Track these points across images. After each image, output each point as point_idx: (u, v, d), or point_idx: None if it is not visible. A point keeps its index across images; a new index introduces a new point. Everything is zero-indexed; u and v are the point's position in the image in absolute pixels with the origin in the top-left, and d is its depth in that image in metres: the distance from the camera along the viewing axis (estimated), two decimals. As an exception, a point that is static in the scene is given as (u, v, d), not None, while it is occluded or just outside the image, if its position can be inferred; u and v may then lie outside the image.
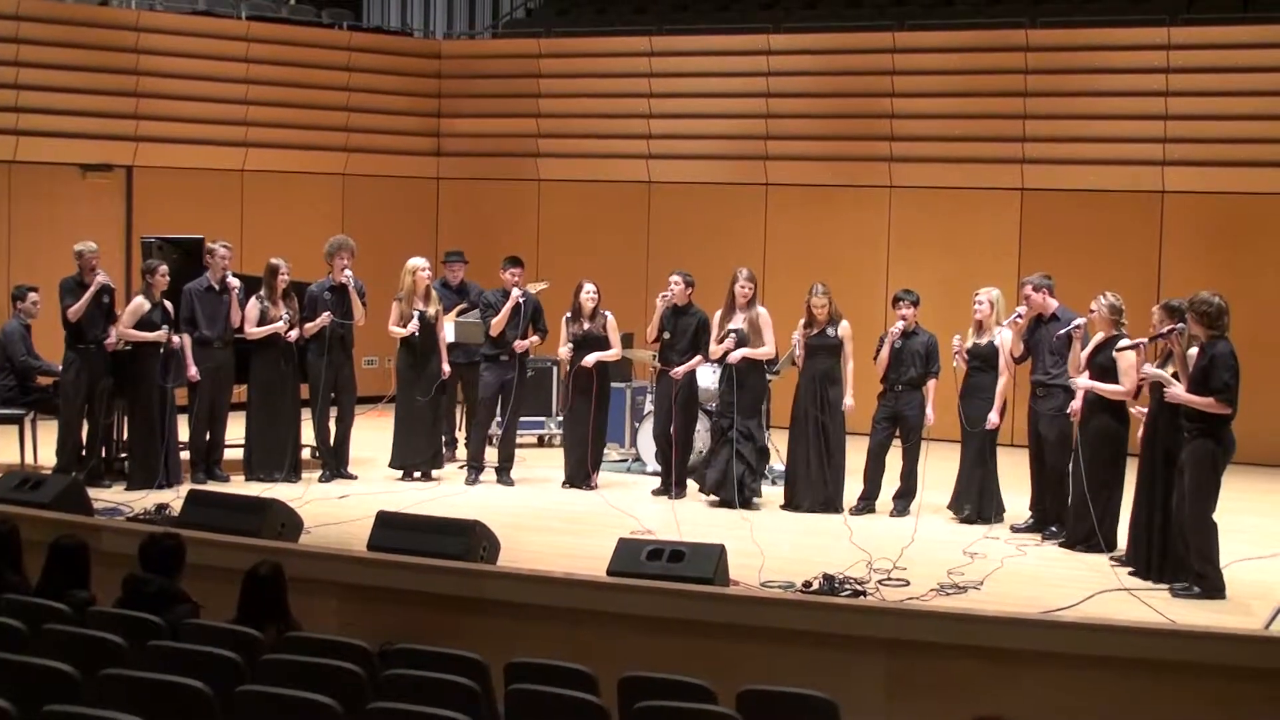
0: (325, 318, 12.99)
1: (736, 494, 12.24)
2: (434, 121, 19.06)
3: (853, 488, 12.35)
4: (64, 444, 12.55)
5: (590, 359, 12.96)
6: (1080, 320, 11.09)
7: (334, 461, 13.23)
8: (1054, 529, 11.36)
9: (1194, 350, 9.76)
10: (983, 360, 11.85)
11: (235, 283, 12.86)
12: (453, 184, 18.96)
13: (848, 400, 12.28)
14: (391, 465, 13.35)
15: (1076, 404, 11.09)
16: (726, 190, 17.53)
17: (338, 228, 15.90)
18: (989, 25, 16.78)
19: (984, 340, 11.86)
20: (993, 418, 11.78)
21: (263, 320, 12.88)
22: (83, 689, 5.77)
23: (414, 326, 13.09)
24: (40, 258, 15.52)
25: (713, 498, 12.51)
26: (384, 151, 18.56)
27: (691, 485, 12.84)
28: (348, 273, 13.14)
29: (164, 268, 12.68)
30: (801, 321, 12.38)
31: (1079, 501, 10.88)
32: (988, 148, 16.42)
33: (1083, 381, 10.84)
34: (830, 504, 12.22)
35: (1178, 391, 9.67)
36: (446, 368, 13.37)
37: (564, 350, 13.14)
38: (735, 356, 12.35)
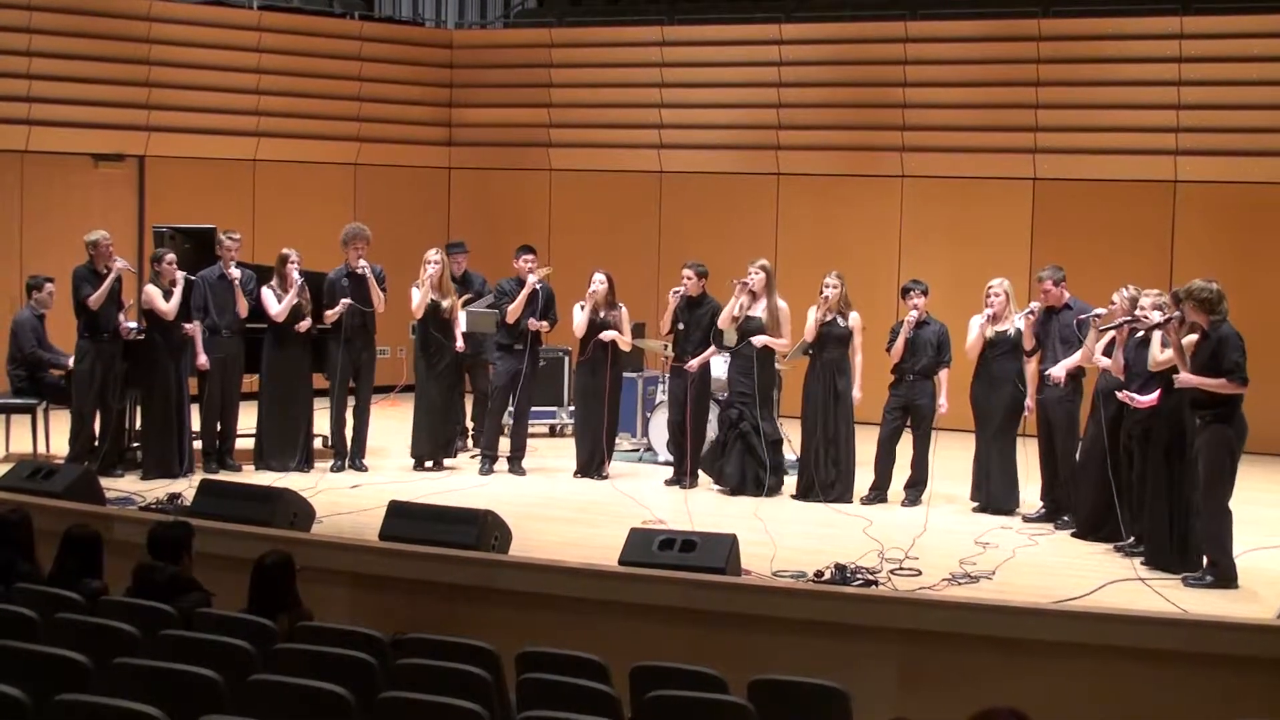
0: (344, 304, 13.01)
1: (753, 487, 12.30)
2: (445, 111, 19.06)
3: (864, 478, 12.35)
4: (77, 434, 12.56)
5: (607, 334, 12.95)
6: (1098, 311, 11.10)
7: (346, 451, 13.24)
8: (1066, 519, 11.37)
9: (1190, 338, 9.77)
10: (1009, 348, 11.83)
11: (235, 273, 12.84)
12: (464, 174, 18.96)
13: (855, 392, 12.27)
14: (412, 454, 13.41)
15: (1058, 371, 11.27)
16: (738, 180, 17.51)
17: (349, 217, 15.89)
18: (1001, 15, 16.73)
19: (1007, 328, 11.82)
20: (1028, 403, 11.79)
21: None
22: (94, 678, 5.77)
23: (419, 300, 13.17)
24: (52, 247, 15.53)
25: (708, 480, 12.57)
26: (396, 141, 18.56)
27: (703, 475, 12.84)
28: (363, 262, 13.15)
29: (171, 256, 12.70)
30: (815, 307, 12.37)
31: (1093, 490, 10.89)
32: (1000, 137, 16.39)
33: (1103, 360, 10.89)
34: (839, 494, 12.23)
35: (1187, 375, 9.66)
36: (460, 345, 13.36)
37: (577, 326, 13.09)
38: (758, 342, 12.37)
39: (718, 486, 12.56)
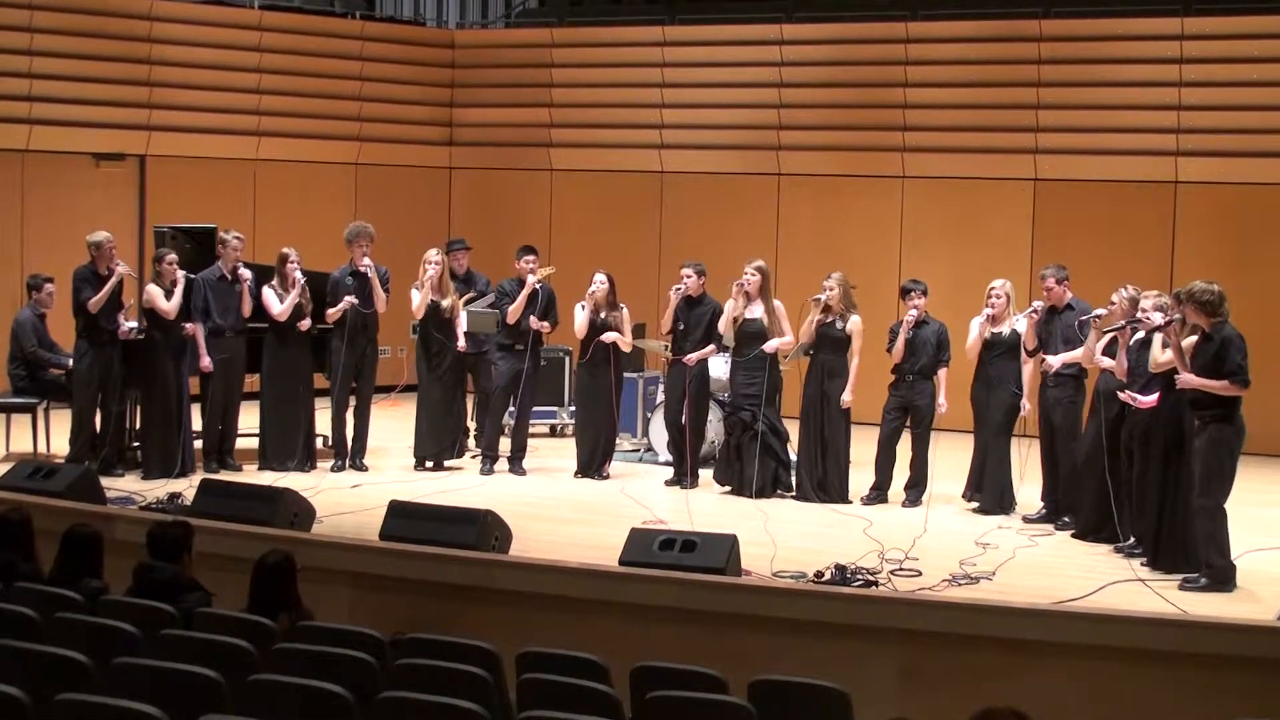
0: (347, 302, 13.01)
1: (773, 487, 12.34)
2: (447, 111, 19.06)
3: (864, 478, 12.34)
4: (77, 433, 12.56)
5: (609, 336, 12.95)
6: (1099, 311, 11.11)
7: (347, 451, 13.24)
8: (1066, 519, 11.37)
9: (1189, 340, 9.77)
10: (1006, 349, 11.83)
11: (246, 274, 12.90)
12: (465, 173, 18.97)
13: (846, 395, 12.23)
14: (415, 455, 13.43)
15: (1054, 360, 11.32)
16: (739, 180, 17.51)
17: (350, 217, 15.90)
18: (1002, 15, 16.73)
19: (1005, 330, 11.82)
20: (1025, 404, 11.80)
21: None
22: (94, 678, 5.78)
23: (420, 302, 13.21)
24: (54, 247, 15.51)
25: (725, 487, 12.54)
26: (397, 141, 18.57)
27: (704, 475, 12.85)
28: (367, 261, 13.16)
29: (171, 256, 12.71)
30: (815, 309, 12.37)
31: (1094, 491, 10.89)
32: (1001, 138, 16.39)
33: (1104, 361, 10.91)
34: (835, 495, 12.22)
35: (1190, 376, 9.66)
36: (462, 344, 13.36)
37: (578, 327, 13.09)
38: (770, 347, 12.36)
39: (727, 489, 12.54)
